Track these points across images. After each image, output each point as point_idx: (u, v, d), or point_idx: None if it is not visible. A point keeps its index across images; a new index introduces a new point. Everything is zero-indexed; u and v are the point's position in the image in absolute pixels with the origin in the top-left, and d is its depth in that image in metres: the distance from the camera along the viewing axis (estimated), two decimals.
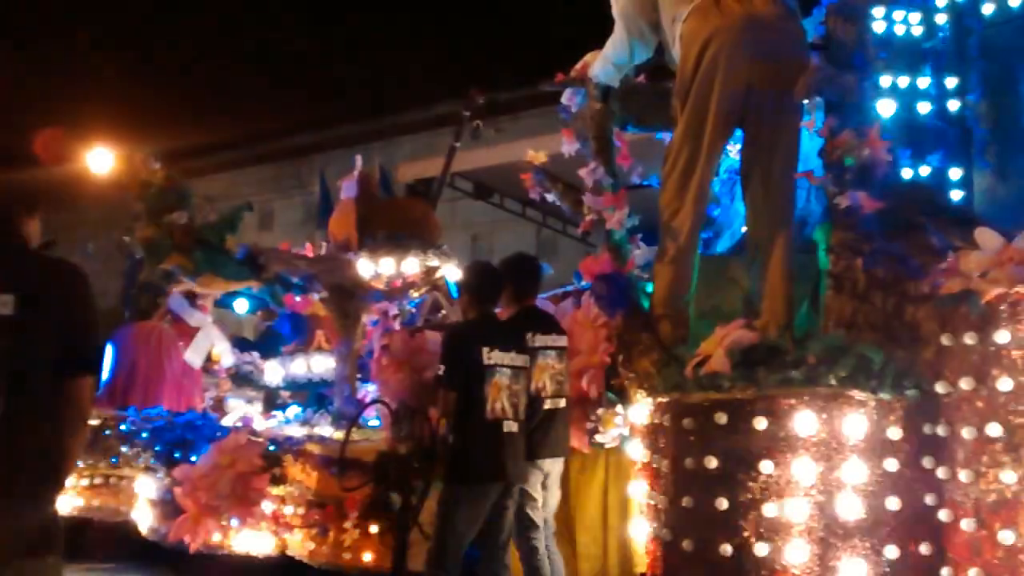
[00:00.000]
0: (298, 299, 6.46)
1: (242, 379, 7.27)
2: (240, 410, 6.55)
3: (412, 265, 5.61)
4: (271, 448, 5.34)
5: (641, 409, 3.91)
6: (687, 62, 3.91)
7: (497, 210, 10.38)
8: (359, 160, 6.19)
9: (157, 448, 5.74)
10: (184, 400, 6.33)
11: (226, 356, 6.67)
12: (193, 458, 5.52)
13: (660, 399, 3.72)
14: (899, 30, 4.62)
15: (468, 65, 10.09)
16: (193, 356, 6.43)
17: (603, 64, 4.43)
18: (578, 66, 4.57)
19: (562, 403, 4.37)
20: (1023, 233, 3.29)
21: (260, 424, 6.08)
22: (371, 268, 5.61)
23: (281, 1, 9.63)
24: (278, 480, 5.22)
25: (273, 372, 7.21)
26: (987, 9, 4.62)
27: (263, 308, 7.90)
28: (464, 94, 8.13)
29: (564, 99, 4.65)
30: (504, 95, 8.57)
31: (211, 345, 6.58)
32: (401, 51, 9.94)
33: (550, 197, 4.69)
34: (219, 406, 6.59)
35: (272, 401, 7.13)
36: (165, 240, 5.59)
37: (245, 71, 10.98)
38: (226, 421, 6.14)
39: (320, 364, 6.96)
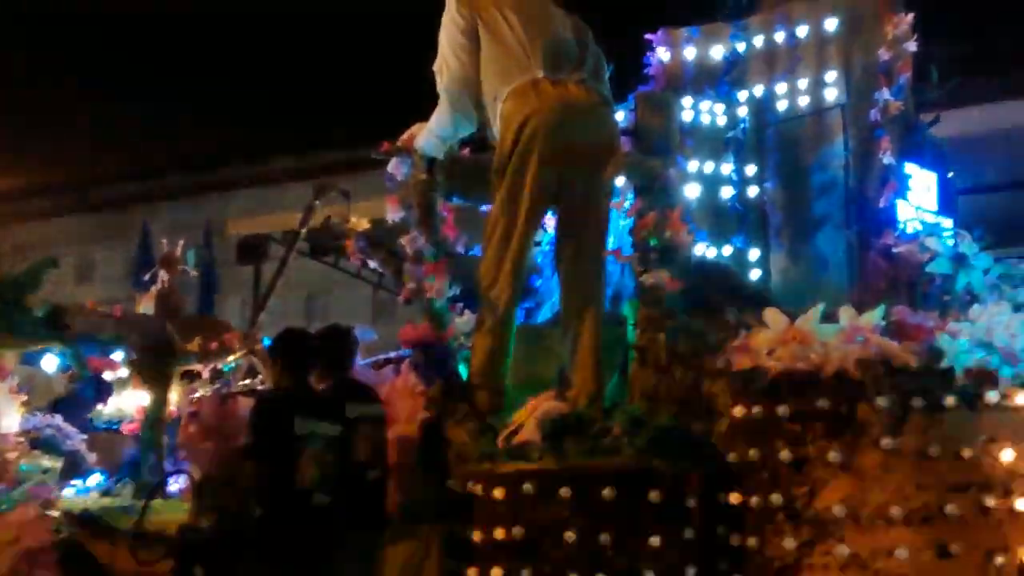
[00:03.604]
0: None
1: (44, 444, 6.75)
2: (33, 479, 6.04)
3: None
4: (65, 522, 4.95)
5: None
6: (505, 140, 4.06)
7: (333, 270, 10.23)
8: (164, 275, 5.93)
9: None
10: None
11: (7, 419, 6.13)
12: None
13: (473, 469, 3.75)
14: (704, 120, 5.01)
15: (303, 121, 10.01)
16: None
17: (428, 136, 4.52)
18: (404, 136, 4.64)
19: (381, 473, 4.32)
20: (805, 314, 3.57)
21: (55, 494, 5.63)
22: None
23: (108, 43, 9.21)
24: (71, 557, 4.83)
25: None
26: (781, 105, 5.10)
27: (71, 368, 7.38)
28: (299, 150, 8.00)
29: (390, 168, 4.71)
30: (339, 155, 8.54)
31: None
32: (235, 103, 9.73)
33: (372, 264, 4.69)
34: (7, 474, 6.04)
35: (74, 468, 6.65)
36: None
37: (67, 112, 10.38)
38: (15, 493, 5.64)
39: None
